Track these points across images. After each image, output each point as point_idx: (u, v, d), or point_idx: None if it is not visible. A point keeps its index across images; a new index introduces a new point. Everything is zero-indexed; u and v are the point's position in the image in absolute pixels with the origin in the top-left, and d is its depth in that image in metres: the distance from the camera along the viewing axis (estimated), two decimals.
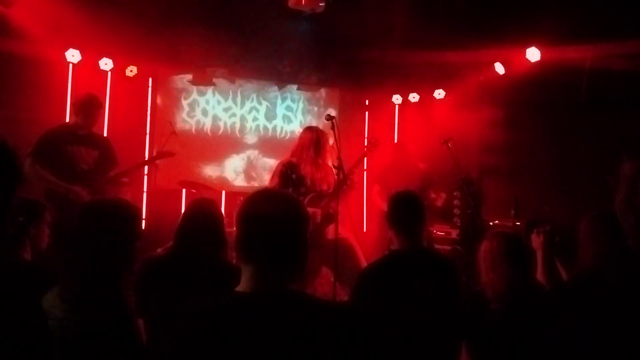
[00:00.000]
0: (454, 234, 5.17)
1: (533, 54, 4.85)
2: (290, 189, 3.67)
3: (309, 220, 1.35)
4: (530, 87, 4.84)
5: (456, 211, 5.35)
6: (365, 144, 4.11)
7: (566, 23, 4.30)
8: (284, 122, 6.22)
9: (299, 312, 1.21)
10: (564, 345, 2.13)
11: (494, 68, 5.22)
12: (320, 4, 4.61)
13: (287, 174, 3.73)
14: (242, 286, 1.26)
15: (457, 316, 2.18)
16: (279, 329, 1.17)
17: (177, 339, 1.20)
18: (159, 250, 3.62)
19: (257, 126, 6.12)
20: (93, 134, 3.89)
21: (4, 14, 4.10)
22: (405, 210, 2.31)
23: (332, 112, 3.78)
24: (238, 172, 5.97)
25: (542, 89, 4.72)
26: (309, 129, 3.92)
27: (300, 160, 3.76)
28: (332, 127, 3.56)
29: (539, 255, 2.44)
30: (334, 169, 3.61)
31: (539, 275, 2.38)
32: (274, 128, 6.19)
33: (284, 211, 1.28)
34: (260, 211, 1.27)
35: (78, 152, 3.71)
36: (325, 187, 3.81)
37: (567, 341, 2.16)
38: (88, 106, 3.80)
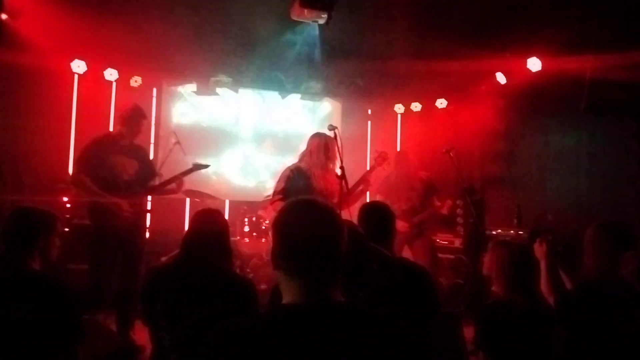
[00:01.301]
0: (457, 242, 5.18)
1: (534, 64, 4.89)
2: (297, 194, 3.67)
3: (345, 228, 1.33)
4: (532, 97, 4.87)
5: (459, 220, 5.36)
6: (375, 156, 4.11)
7: (567, 33, 4.33)
8: (285, 124, 6.26)
9: (352, 323, 1.20)
10: (568, 354, 2.14)
11: (496, 78, 5.26)
12: (323, 16, 4.64)
13: (295, 179, 3.72)
14: (288, 299, 1.23)
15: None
16: (334, 340, 1.15)
17: (220, 357, 1.15)
18: (163, 259, 3.64)
19: (254, 124, 6.14)
20: (133, 144, 3.84)
21: (11, 25, 4.16)
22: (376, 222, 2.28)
23: (335, 122, 3.80)
24: (235, 167, 5.99)
25: (544, 98, 4.76)
26: (317, 135, 3.91)
27: (310, 166, 3.76)
28: (335, 137, 3.59)
29: (543, 265, 2.43)
30: (337, 179, 3.63)
31: (543, 285, 2.39)
32: (272, 127, 6.20)
33: (325, 221, 1.26)
34: (303, 222, 1.25)
35: (120, 163, 3.67)
36: (332, 194, 3.83)
37: (570, 350, 2.17)
38: (135, 117, 3.78)
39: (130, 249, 3.66)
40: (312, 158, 3.77)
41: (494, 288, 2.28)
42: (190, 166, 3.98)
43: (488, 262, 2.29)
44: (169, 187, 3.92)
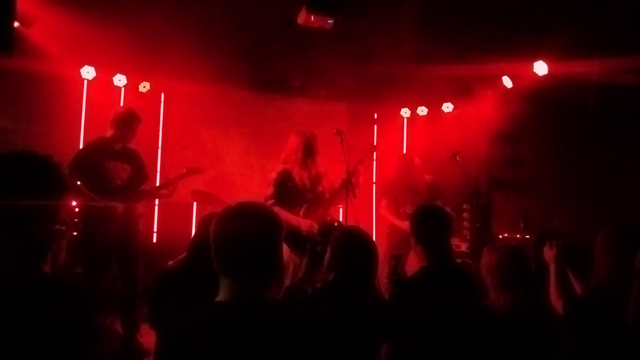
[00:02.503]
0: (464, 247, 5.16)
1: (541, 68, 4.88)
2: (288, 197, 3.64)
3: (282, 230, 1.42)
4: (538, 101, 4.86)
5: (465, 224, 5.35)
6: (362, 148, 3.98)
7: (573, 37, 4.33)
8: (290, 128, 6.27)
9: (275, 318, 1.28)
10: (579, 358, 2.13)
11: (502, 82, 5.26)
12: (329, 21, 4.68)
13: (283, 182, 3.68)
14: (221, 296, 1.34)
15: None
16: (258, 335, 1.24)
17: (167, 352, 1.29)
18: (170, 262, 3.67)
19: (259, 127, 6.12)
20: (127, 148, 3.85)
21: (23, 33, 4.23)
22: (434, 225, 2.30)
23: (341, 126, 3.79)
24: (250, 184, 6.02)
25: (550, 102, 4.75)
26: (297, 133, 3.83)
27: (293, 165, 3.70)
28: (341, 142, 3.61)
29: (552, 269, 2.41)
30: (342, 182, 3.63)
31: (552, 289, 2.36)
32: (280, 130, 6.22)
33: (256, 226, 1.35)
34: (233, 227, 1.35)
35: (114, 168, 3.69)
36: (320, 190, 3.74)
37: (581, 357, 2.15)
38: (130, 121, 3.78)
39: (125, 253, 3.67)
40: (292, 157, 3.72)
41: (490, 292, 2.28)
42: (183, 171, 3.97)
43: (481, 267, 2.30)
44: (162, 192, 3.92)
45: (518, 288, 2.19)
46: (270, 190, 3.69)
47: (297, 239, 3.55)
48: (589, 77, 4.23)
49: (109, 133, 3.77)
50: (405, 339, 2.08)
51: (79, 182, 3.59)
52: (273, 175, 3.74)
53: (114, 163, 3.71)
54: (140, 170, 3.89)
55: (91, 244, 3.61)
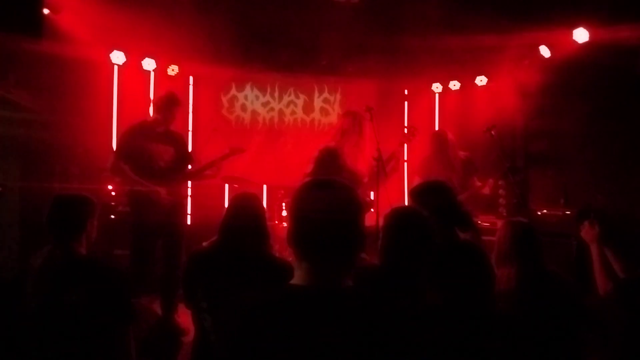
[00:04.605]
0: (500, 224, 5.02)
1: (581, 35, 4.62)
2: (327, 175, 3.66)
3: (364, 209, 1.30)
4: (578, 70, 4.61)
5: (501, 201, 5.19)
6: (405, 132, 4.02)
7: None
8: (321, 114, 6.22)
9: (355, 309, 1.19)
10: (624, 345, 2.03)
11: (539, 51, 5.02)
12: None
13: (326, 160, 3.70)
14: (298, 279, 1.22)
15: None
16: (334, 324, 1.14)
17: (235, 332, 1.18)
18: (204, 244, 3.71)
19: (295, 120, 6.15)
20: (170, 131, 3.89)
21: (53, 20, 4.28)
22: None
23: (370, 103, 3.73)
24: (278, 165, 6.02)
25: (592, 72, 4.49)
26: (348, 114, 3.88)
27: (341, 145, 3.73)
28: (371, 119, 3.54)
29: (594, 249, 2.27)
30: (372, 160, 3.58)
31: (596, 271, 2.24)
32: (312, 121, 6.20)
33: (339, 203, 1.22)
34: (315, 205, 1.21)
35: (156, 150, 3.74)
36: (361, 174, 3.77)
37: (625, 342, 2.05)
38: (171, 104, 3.82)
39: (170, 235, 3.73)
40: (344, 137, 3.73)
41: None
42: (227, 151, 4.01)
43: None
44: (207, 172, 3.96)
45: (511, 263, 2.07)
46: (309, 167, 3.72)
47: None
48: (635, 43, 3.97)
49: (152, 116, 3.84)
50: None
51: (124, 165, 3.66)
52: (316, 153, 3.77)
53: (156, 145, 3.75)
54: (183, 152, 3.94)
55: (139, 227, 3.69)
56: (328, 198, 1.22)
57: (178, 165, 3.85)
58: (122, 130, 3.83)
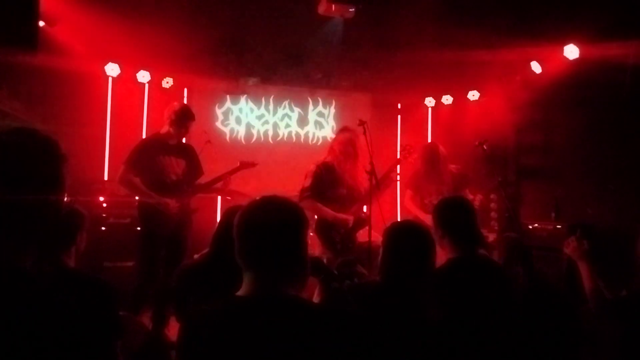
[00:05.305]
0: (492, 237, 5.04)
1: (571, 52, 4.70)
2: (325, 191, 3.69)
3: (307, 225, 1.38)
4: (569, 86, 4.68)
5: (493, 215, 5.22)
6: (399, 150, 4.07)
7: (606, 18, 4.14)
8: (315, 128, 6.25)
9: (295, 315, 1.25)
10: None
11: (531, 67, 5.09)
12: (350, 10, 4.61)
13: (322, 174, 3.72)
14: (242, 291, 1.31)
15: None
16: (276, 331, 1.21)
17: (185, 345, 1.27)
18: (195, 256, 3.69)
19: (290, 133, 6.17)
20: (182, 144, 3.93)
21: (48, 32, 4.29)
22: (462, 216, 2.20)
23: (364, 117, 3.76)
24: (271, 179, 6.02)
25: (582, 87, 4.56)
26: (345, 130, 3.91)
27: (337, 161, 3.76)
28: (364, 132, 3.55)
29: (583, 266, 2.20)
30: (366, 174, 3.59)
31: (586, 288, 2.16)
32: (306, 134, 6.23)
33: (280, 219, 1.32)
34: (257, 221, 1.32)
35: (169, 163, 3.74)
36: (359, 189, 3.79)
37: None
38: (184, 118, 3.82)
39: (175, 248, 3.71)
40: (340, 152, 3.76)
41: None
42: (237, 165, 4.00)
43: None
44: (216, 185, 3.96)
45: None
46: (308, 182, 3.73)
47: (329, 233, 3.62)
48: (623, 60, 4.03)
49: (164, 129, 3.84)
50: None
51: (134, 178, 3.66)
52: (312, 167, 3.77)
53: (169, 159, 3.75)
54: (195, 165, 3.95)
55: (150, 240, 3.67)
56: (270, 214, 1.32)
57: (189, 178, 3.86)
58: (127, 142, 3.84)
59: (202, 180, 4.04)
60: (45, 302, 1.85)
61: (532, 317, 2.06)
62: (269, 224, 1.30)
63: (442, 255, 2.19)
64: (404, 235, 1.96)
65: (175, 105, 3.91)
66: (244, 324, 1.23)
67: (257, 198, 1.40)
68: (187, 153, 3.94)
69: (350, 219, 3.68)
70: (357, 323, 1.31)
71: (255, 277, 1.30)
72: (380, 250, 2.01)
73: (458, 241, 2.15)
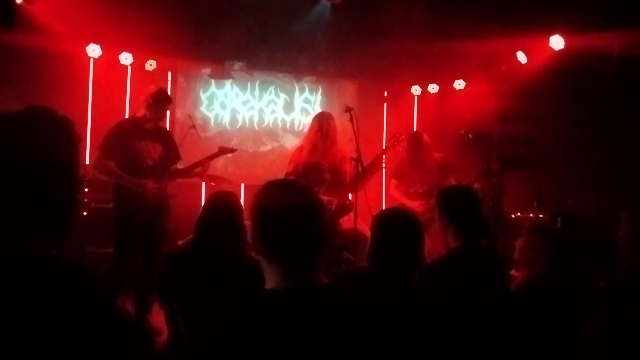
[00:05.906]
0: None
1: (557, 42, 4.72)
2: (307, 176, 3.75)
3: (324, 207, 1.31)
4: (554, 76, 4.72)
5: None
6: (387, 137, 4.11)
7: (591, 8, 4.16)
8: (302, 114, 6.21)
9: (337, 305, 1.18)
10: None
11: (516, 57, 5.11)
12: None
13: (301, 160, 3.82)
14: (271, 284, 1.20)
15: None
16: (316, 323, 1.13)
17: (209, 346, 1.12)
18: (179, 242, 3.66)
19: (275, 119, 6.12)
20: (158, 128, 3.83)
21: (26, 10, 4.16)
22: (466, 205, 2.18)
23: (351, 104, 3.75)
24: (256, 164, 5.98)
25: (567, 77, 4.60)
26: (317, 116, 4.00)
27: (315, 145, 3.83)
28: (351, 119, 3.54)
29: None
30: (352, 161, 3.59)
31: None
32: (292, 121, 6.18)
33: (306, 204, 1.22)
34: (279, 206, 1.21)
35: (145, 147, 3.65)
36: (344, 175, 3.82)
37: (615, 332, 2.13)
38: (160, 101, 3.71)
39: (153, 233, 3.65)
40: (311, 140, 3.84)
41: (515, 272, 2.22)
42: (216, 150, 3.95)
43: (522, 248, 2.21)
44: (194, 171, 3.91)
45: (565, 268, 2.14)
46: (291, 167, 3.80)
47: None
48: (608, 50, 4.07)
49: (140, 112, 3.74)
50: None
51: (109, 162, 3.58)
52: (294, 152, 3.89)
53: (145, 142, 3.67)
54: (172, 150, 3.87)
55: (124, 224, 3.59)
56: (289, 198, 1.22)
57: (166, 163, 3.79)
58: (109, 126, 3.71)
59: (182, 165, 3.98)
60: (57, 286, 1.80)
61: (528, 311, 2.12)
62: (294, 209, 1.20)
63: (439, 244, 2.20)
64: (394, 223, 1.96)
65: (152, 87, 3.79)
66: (285, 319, 1.12)
67: (272, 182, 1.30)
68: (164, 137, 3.85)
69: (333, 200, 3.73)
70: (388, 307, 1.28)
71: (287, 267, 1.19)
72: (370, 237, 2.01)
73: (462, 231, 2.14)
